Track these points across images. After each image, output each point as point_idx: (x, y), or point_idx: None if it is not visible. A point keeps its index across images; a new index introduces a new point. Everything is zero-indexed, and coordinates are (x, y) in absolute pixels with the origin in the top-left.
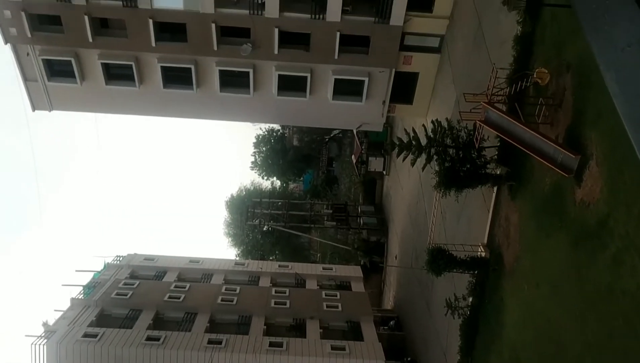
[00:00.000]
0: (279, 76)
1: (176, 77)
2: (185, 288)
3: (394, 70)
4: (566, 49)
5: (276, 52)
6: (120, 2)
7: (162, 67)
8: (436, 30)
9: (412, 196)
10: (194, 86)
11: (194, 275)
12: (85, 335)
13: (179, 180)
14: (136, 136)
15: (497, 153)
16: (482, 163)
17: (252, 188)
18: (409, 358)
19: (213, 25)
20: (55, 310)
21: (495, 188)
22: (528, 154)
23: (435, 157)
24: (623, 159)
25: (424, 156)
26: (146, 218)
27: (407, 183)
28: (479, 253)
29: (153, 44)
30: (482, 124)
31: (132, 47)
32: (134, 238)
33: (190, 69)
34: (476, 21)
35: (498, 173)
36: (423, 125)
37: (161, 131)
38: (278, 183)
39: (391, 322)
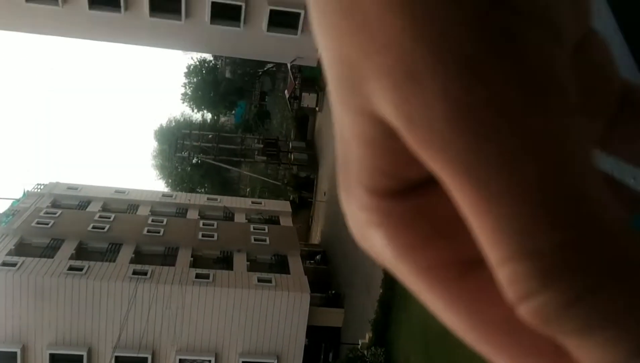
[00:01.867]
0: (212, 3)
1: None
2: (110, 218)
3: None
4: None
5: None
6: None
7: None
8: None
9: None
10: (122, 8)
11: (120, 206)
12: (4, 264)
13: (108, 108)
14: (62, 59)
15: None
16: None
17: (182, 120)
18: (333, 292)
19: None
20: None
21: None
22: None
23: None
24: None
25: None
26: (71, 146)
27: None
28: None
29: None
30: None
31: None
32: (58, 167)
33: None
34: None
35: None
36: None
37: (90, 55)
38: (209, 115)
39: (317, 256)
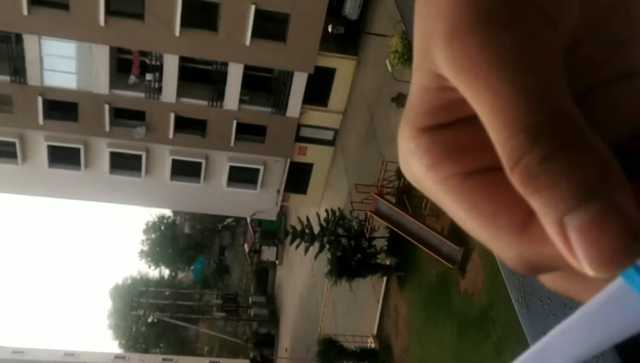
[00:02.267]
0: (173, 160)
1: (63, 157)
2: None
3: (289, 160)
4: None
5: (171, 136)
6: (8, 78)
7: (48, 146)
8: (331, 124)
9: (304, 287)
10: (82, 166)
11: None
12: None
13: (62, 266)
14: (15, 215)
15: (387, 243)
16: (373, 253)
17: (138, 277)
18: None
19: (107, 106)
20: None
21: (385, 278)
22: (415, 245)
23: (327, 246)
24: None
25: (316, 244)
26: (20, 305)
27: (300, 274)
28: (369, 344)
29: (40, 121)
30: (373, 215)
31: (17, 124)
32: (3, 329)
33: (79, 149)
34: (368, 116)
35: (388, 263)
36: (317, 213)
37: (45, 211)
38: (167, 271)
39: None
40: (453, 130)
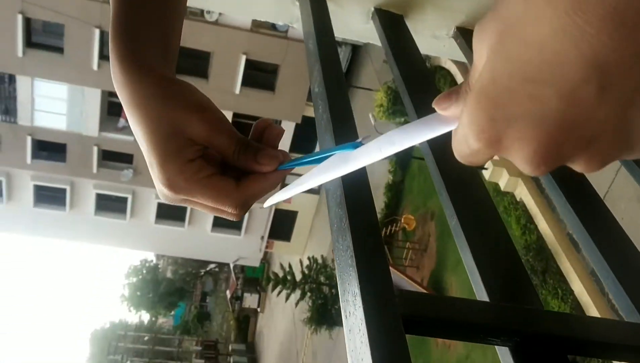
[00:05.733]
0: (158, 204)
1: (49, 197)
2: None
3: (274, 207)
4: (431, 198)
5: None
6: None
7: (35, 185)
8: None
9: (285, 335)
10: (67, 206)
11: None
12: None
13: (38, 310)
14: None
15: None
16: None
17: (117, 321)
18: None
19: (95, 148)
20: None
21: None
22: None
23: (308, 293)
24: None
25: (298, 292)
26: None
27: (281, 322)
28: None
29: (28, 161)
30: None
31: (4, 162)
32: None
33: (65, 189)
34: None
35: None
36: (300, 260)
37: (27, 250)
38: (147, 316)
39: None
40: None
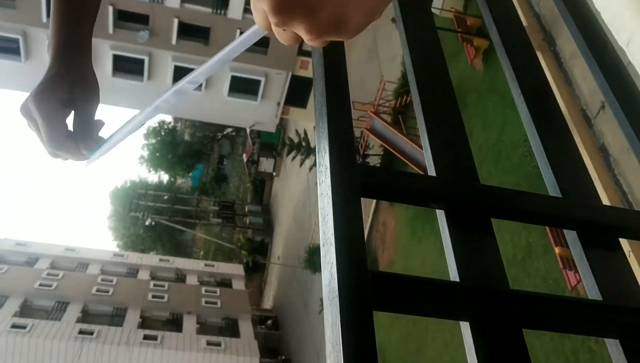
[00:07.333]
0: (175, 66)
1: None
2: (58, 276)
3: (290, 73)
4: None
5: (174, 42)
6: None
7: None
8: None
9: (299, 199)
10: None
11: (69, 264)
12: None
13: (64, 169)
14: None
15: (380, 160)
16: None
17: (137, 181)
18: (283, 357)
19: (110, 8)
20: None
21: None
22: (407, 164)
23: None
24: None
25: (312, 157)
26: (26, 204)
27: (296, 186)
28: None
29: (44, 19)
30: (368, 132)
31: (20, 20)
32: (10, 224)
33: None
34: (372, 34)
35: None
36: (314, 127)
37: None
38: (166, 177)
39: (268, 321)
40: None
